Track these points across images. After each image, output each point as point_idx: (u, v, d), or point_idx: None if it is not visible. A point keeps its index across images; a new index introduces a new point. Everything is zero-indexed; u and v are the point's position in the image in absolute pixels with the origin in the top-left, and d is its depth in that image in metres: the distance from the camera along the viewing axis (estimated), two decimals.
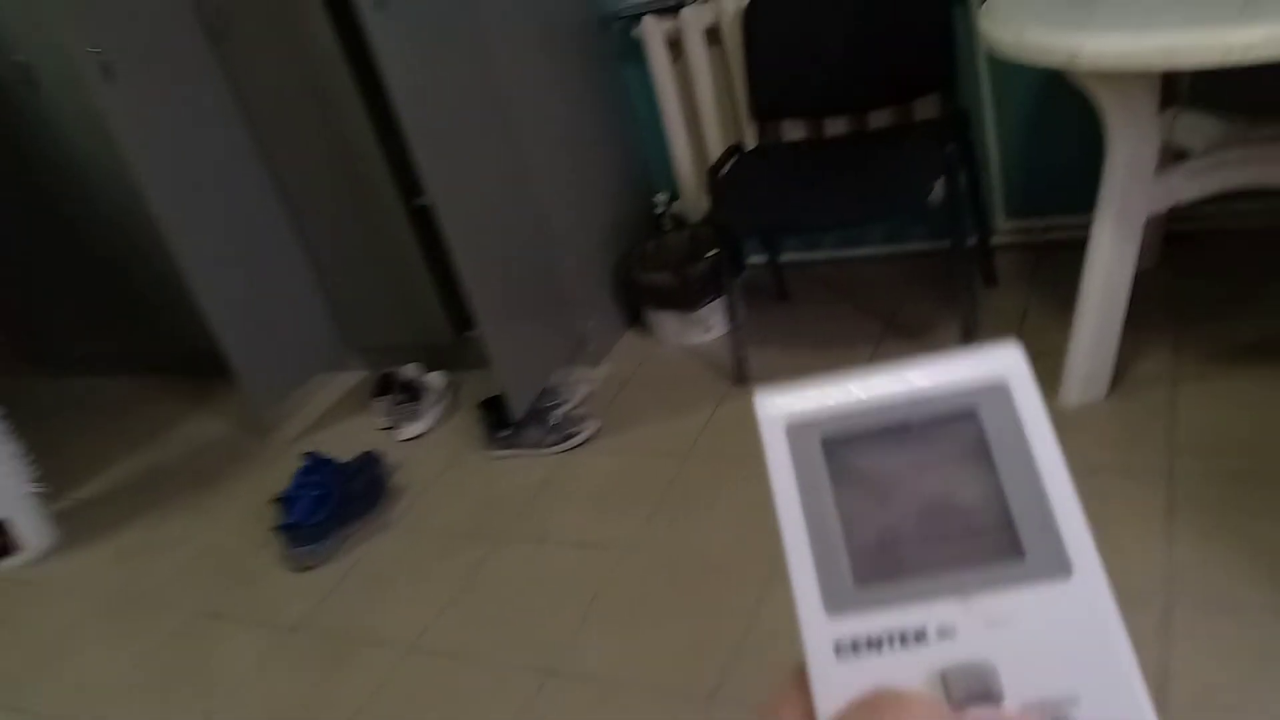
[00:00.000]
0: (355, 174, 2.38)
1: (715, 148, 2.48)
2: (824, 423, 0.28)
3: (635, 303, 2.53)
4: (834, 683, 0.24)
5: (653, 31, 2.43)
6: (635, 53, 2.51)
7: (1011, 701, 0.23)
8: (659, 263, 2.48)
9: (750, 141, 2.36)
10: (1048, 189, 2.31)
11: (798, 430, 0.28)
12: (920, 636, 0.24)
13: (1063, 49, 1.44)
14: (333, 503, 2.03)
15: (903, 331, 2.22)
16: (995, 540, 0.25)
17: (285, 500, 2.07)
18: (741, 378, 2.21)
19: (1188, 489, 1.55)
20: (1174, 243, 2.15)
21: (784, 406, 0.28)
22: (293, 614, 1.88)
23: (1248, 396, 1.71)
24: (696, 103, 2.48)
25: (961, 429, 0.27)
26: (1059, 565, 0.25)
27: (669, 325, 2.44)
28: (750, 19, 2.25)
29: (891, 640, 0.24)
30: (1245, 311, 1.93)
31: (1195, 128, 1.89)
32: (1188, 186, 1.69)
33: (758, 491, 1.90)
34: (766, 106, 2.29)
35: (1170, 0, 1.46)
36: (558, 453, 2.13)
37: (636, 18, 2.42)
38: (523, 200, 2.22)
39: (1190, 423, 1.69)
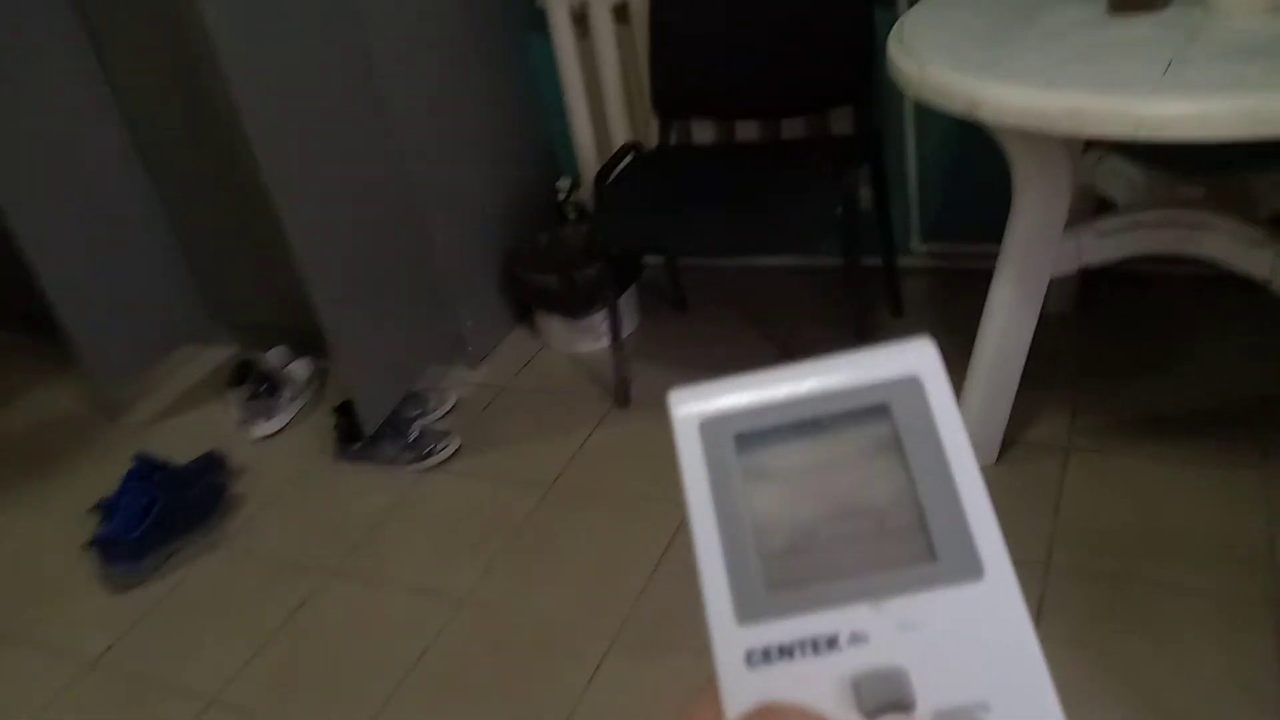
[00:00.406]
0: (219, 139, 2.15)
1: (620, 136, 2.28)
2: (737, 419, 0.27)
3: (523, 300, 2.34)
4: (745, 692, 0.23)
5: (557, 2, 2.20)
6: (541, 23, 2.28)
7: (923, 709, 0.22)
8: (550, 260, 2.28)
9: (652, 139, 2.16)
10: (967, 213, 2.14)
11: (711, 428, 0.27)
12: (832, 643, 0.24)
13: (962, 96, 1.26)
14: (159, 514, 1.85)
15: (800, 355, 2.05)
16: (907, 542, 0.25)
17: (106, 507, 1.88)
18: (623, 399, 2.04)
19: (1060, 589, 1.42)
20: (1091, 285, 2.00)
21: (698, 405, 0.28)
22: (96, 645, 1.70)
23: (1137, 480, 1.58)
24: (602, 86, 2.26)
25: (874, 424, 0.26)
26: (971, 567, 0.24)
27: (557, 330, 2.26)
28: (658, 2, 2.03)
29: (804, 647, 0.23)
30: (1156, 376, 1.79)
31: (1119, 175, 1.72)
32: (1098, 248, 1.53)
33: (615, 539, 1.76)
34: (669, 102, 2.08)
35: (1094, 49, 1.28)
36: (412, 472, 1.96)
37: None
38: (392, 180, 2.00)
39: (1075, 507, 1.56)
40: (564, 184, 2.51)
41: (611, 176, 1.99)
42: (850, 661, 0.23)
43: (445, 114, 2.13)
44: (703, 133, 2.21)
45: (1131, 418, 1.71)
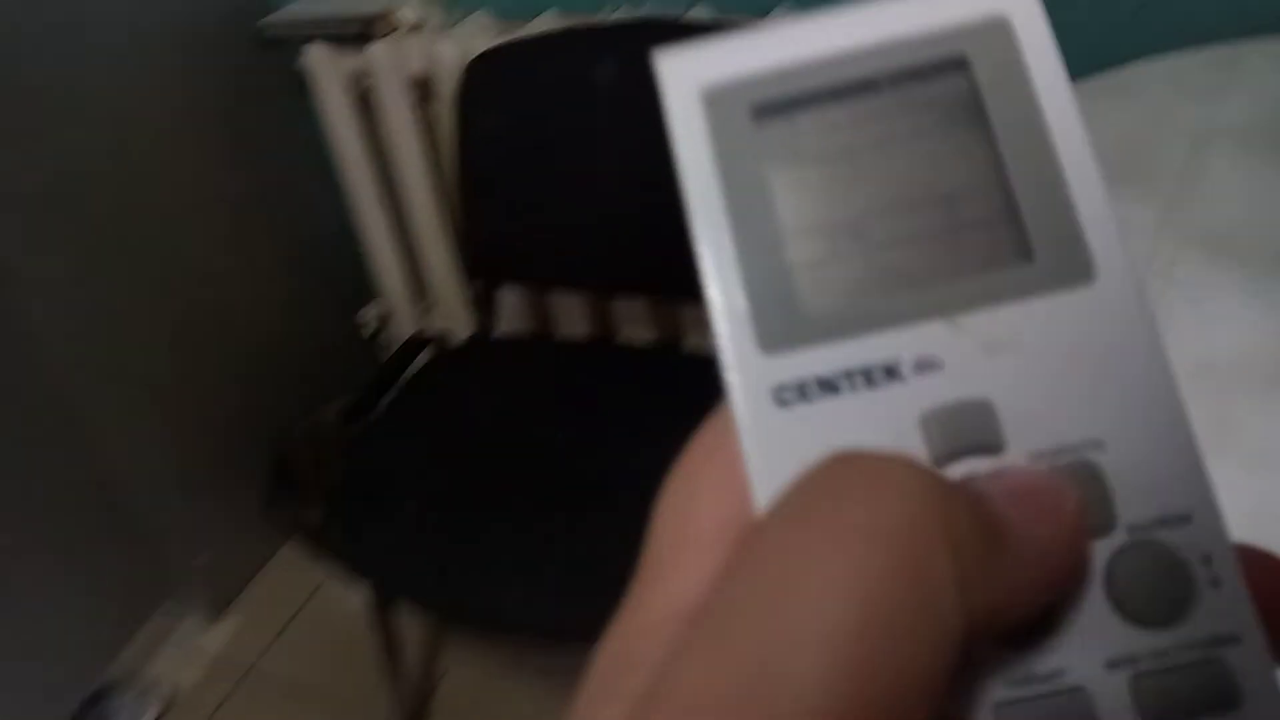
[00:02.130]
0: None
1: (434, 249, 1.51)
2: (756, 87, 0.19)
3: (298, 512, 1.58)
4: (774, 441, 0.17)
5: (324, 68, 1.41)
6: (304, 93, 1.48)
7: (1015, 450, 0.17)
8: (335, 450, 1.52)
9: (466, 320, 1.39)
10: None
11: (719, 100, 0.19)
12: (892, 372, 0.17)
13: None
14: None
15: None
16: (992, 237, 0.18)
17: None
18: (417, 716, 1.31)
19: None
20: None
21: (699, 67, 0.19)
22: None
23: None
24: (400, 184, 1.49)
25: (946, 85, 0.19)
26: (1077, 267, 0.17)
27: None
28: (467, 104, 1.24)
29: (852, 380, 0.17)
30: None
31: None
32: None
33: None
34: (485, 263, 1.31)
35: None
36: None
37: (302, 42, 1.40)
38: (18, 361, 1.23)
39: None
40: (370, 315, 1.73)
41: (377, 408, 1.23)
42: (917, 395, 0.17)
43: (135, 225, 1.34)
44: (566, 318, 1.45)
45: None
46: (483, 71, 1.22)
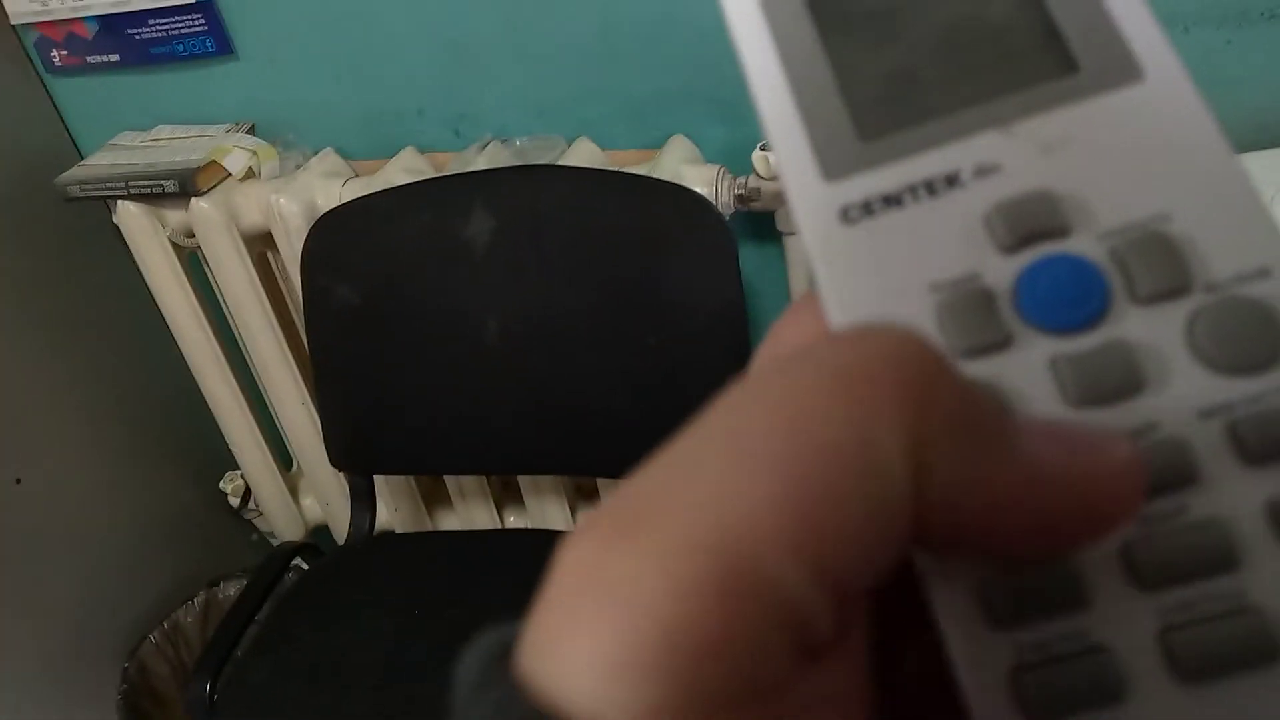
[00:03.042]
0: None
1: (296, 423, 1.29)
2: None
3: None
4: (843, 254, 0.18)
5: (140, 227, 1.18)
6: (122, 248, 1.26)
7: (1083, 233, 0.17)
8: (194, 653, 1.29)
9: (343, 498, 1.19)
10: None
11: None
12: (953, 180, 0.18)
13: None
14: None
15: None
16: (1038, 58, 0.18)
17: None
18: None
19: None
20: None
21: None
22: None
23: None
24: (250, 347, 1.27)
25: None
26: (1126, 70, 0.18)
27: None
28: (313, 273, 1.04)
29: (915, 192, 0.18)
30: None
31: None
32: None
33: None
34: (350, 456, 1.11)
35: None
36: None
37: (113, 199, 1.17)
38: None
39: None
40: (233, 483, 1.50)
41: (242, 644, 1.01)
42: (979, 196, 0.18)
43: None
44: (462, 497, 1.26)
45: None
46: (329, 234, 1.02)
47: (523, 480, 1.23)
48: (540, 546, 1.09)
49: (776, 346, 0.19)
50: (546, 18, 1.05)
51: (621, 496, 0.14)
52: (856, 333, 0.15)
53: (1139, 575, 0.16)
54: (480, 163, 1.08)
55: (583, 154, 1.08)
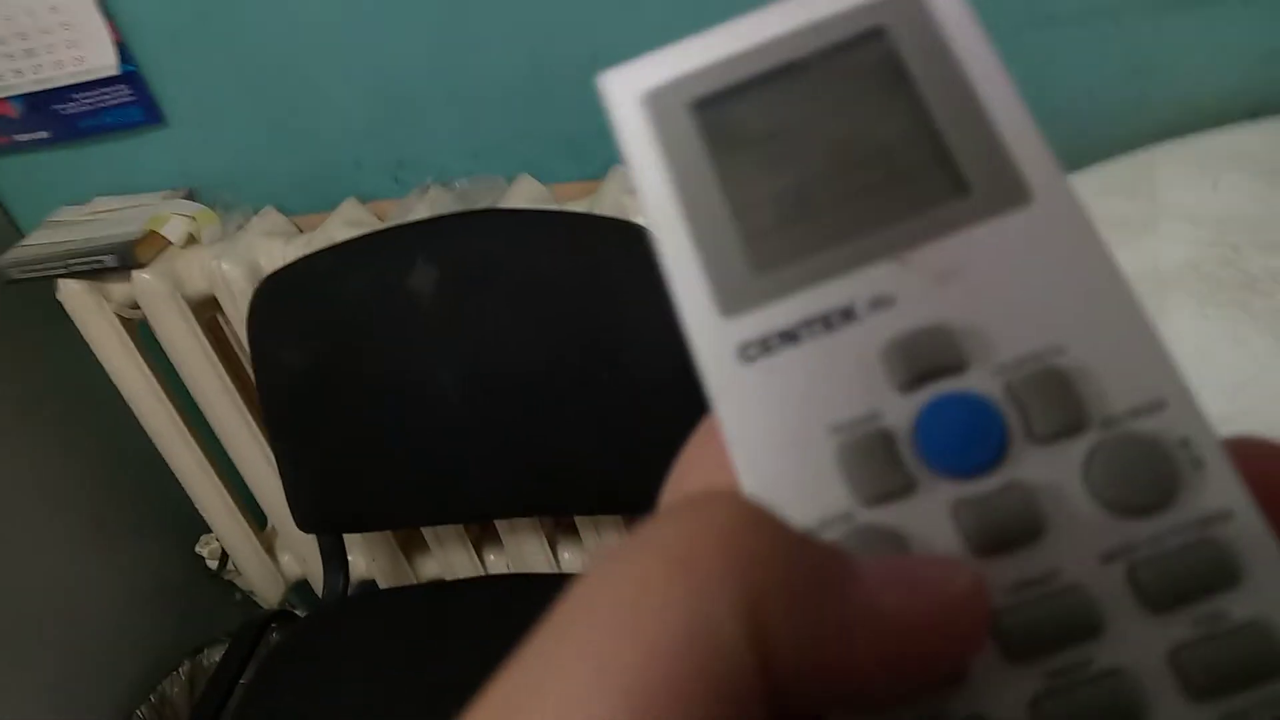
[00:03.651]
0: None
1: (263, 483, 1.27)
2: (690, 84, 0.20)
3: None
4: (742, 393, 0.18)
5: (83, 304, 1.17)
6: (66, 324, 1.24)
7: (979, 368, 0.17)
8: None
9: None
10: None
11: (659, 101, 0.20)
12: (848, 315, 0.18)
13: None
14: None
15: None
16: (929, 180, 0.18)
17: None
18: None
19: None
20: None
21: (638, 80, 0.20)
22: None
23: None
24: (209, 412, 1.25)
25: (867, 53, 0.20)
26: (1013, 192, 0.18)
27: None
28: (260, 338, 1.02)
29: (811, 327, 0.18)
30: None
31: None
32: None
33: None
34: (315, 517, 1.09)
35: None
36: None
37: (53, 279, 1.15)
38: None
39: None
40: (209, 546, 1.49)
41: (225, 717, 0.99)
42: (874, 331, 0.18)
43: None
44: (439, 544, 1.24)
45: None
46: (272, 298, 1.00)
47: (499, 521, 1.22)
48: (520, 591, 1.08)
49: (681, 484, 0.19)
50: (476, 60, 1.04)
51: (473, 715, 0.14)
52: (686, 508, 0.15)
53: None
54: (422, 208, 1.06)
55: (525, 191, 1.07)
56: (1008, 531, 0.16)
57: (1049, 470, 0.16)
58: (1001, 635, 0.16)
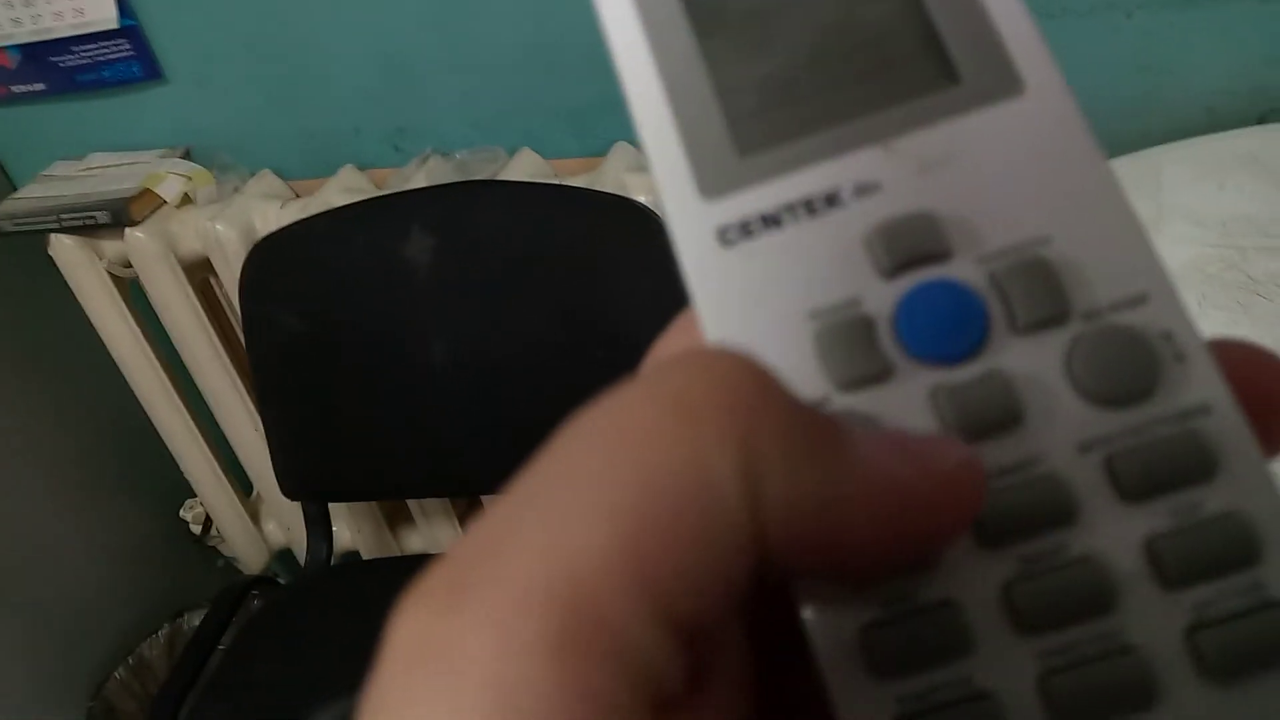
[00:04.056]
0: None
1: (249, 448, 1.27)
2: None
3: None
4: (721, 278, 0.17)
5: (75, 260, 1.15)
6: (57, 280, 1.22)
7: (963, 256, 0.17)
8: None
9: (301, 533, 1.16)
10: None
11: None
12: (832, 200, 0.17)
13: None
14: None
15: None
16: (919, 68, 0.18)
17: None
18: None
19: None
20: None
21: None
22: None
23: None
24: (198, 375, 1.24)
25: None
26: (1005, 82, 0.18)
27: None
28: (252, 301, 1.01)
29: (793, 211, 0.17)
30: None
31: None
32: None
33: None
34: (302, 484, 1.08)
35: None
36: None
37: (46, 232, 1.14)
38: None
39: None
40: (193, 511, 1.48)
41: (202, 681, 0.99)
42: (858, 217, 0.17)
43: None
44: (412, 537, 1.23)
45: None
46: (266, 261, 0.99)
47: (486, 497, 1.21)
48: None
49: (663, 345, 0.19)
50: (481, 29, 1.02)
51: (455, 552, 0.14)
52: (687, 356, 0.15)
53: (1019, 619, 0.16)
54: (420, 178, 1.05)
55: (525, 164, 1.06)
56: (986, 419, 0.16)
57: (1029, 360, 0.16)
58: (975, 521, 0.16)
